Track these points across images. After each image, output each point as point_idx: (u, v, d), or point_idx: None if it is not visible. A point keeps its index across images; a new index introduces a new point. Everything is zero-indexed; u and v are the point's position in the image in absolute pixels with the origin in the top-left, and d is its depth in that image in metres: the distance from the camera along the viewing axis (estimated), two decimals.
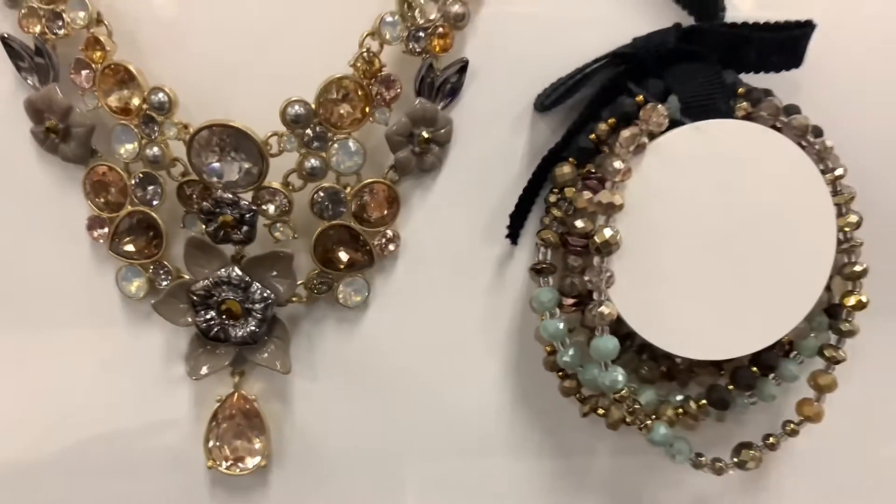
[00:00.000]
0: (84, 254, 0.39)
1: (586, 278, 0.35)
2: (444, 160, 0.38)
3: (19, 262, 0.39)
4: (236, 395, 0.39)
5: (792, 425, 0.38)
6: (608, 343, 0.34)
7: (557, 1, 0.38)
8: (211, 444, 0.39)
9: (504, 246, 0.39)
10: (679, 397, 0.38)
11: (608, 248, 0.33)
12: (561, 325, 0.35)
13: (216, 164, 0.34)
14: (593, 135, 0.36)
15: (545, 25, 0.38)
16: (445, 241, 0.39)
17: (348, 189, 0.37)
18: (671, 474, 0.42)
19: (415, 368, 0.40)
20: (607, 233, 0.33)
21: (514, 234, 0.38)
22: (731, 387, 0.38)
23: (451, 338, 0.40)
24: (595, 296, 0.34)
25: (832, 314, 0.37)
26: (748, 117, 0.35)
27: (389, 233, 0.38)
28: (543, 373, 0.39)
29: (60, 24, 0.35)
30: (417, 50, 0.36)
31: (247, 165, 0.35)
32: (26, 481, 0.40)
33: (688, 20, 0.37)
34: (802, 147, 0.35)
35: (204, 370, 0.38)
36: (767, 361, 0.37)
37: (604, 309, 0.33)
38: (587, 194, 0.35)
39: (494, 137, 0.39)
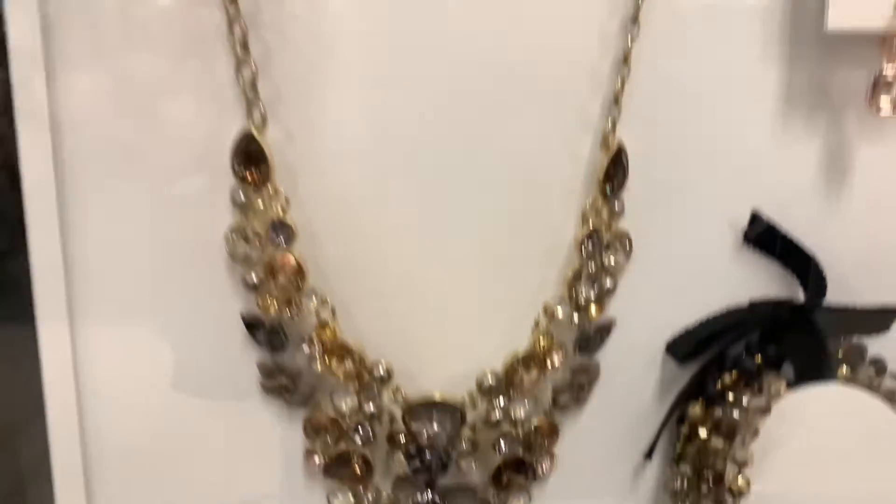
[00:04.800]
0: (298, 475, 0.47)
1: None
2: (591, 394, 0.47)
3: (244, 478, 0.47)
4: None
5: None
6: None
7: (685, 266, 0.46)
8: None
9: (637, 461, 0.48)
10: None
11: (740, 492, 0.42)
12: None
13: (425, 424, 0.43)
14: (718, 384, 0.45)
15: (675, 285, 0.46)
16: (589, 458, 0.48)
17: (519, 430, 0.45)
18: None
19: None
20: (740, 482, 0.42)
21: (650, 454, 0.47)
22: None
23: None
24: None
25: None
26: (849, 381, 0.43)
27: (549, 454, 0.47)
28: None
29: (293, 309, 0.43)
30: (578, 322, 0.44)
31: (448, 425, 0.43)
32: None
33: (792, 282, 0.46)
34: (892, 402, 0.44)
35: None
36: None
37: None
38: (721, 443, 0.43)
39: (631, 375, 0.47)
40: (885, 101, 0.41)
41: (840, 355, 0.44)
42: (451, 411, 0.43)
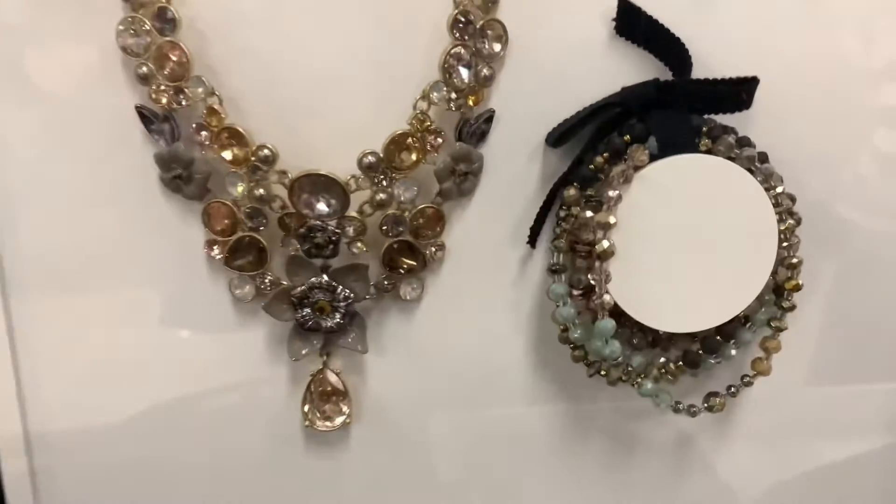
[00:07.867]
0: (202, 268, 0.50)
1: (590, 276, 0.46)
2: (477, 186, 0.50)
3: (149, 276, 0.50)
4: (325, 370, 0.51)
5: (748, 378, 0.50)
6: (608, 324, 0.45)
7: (561, 58, 0.48)
8: (306, 408, 0.51)
9: (525, 249, 0.51)
10: (661, 360, 0.51)
11: (606, 255, 0.45)
12: (572, 311, 0.47)
13: (311, 201, 0.46)
14: (592, 165, 0.48)
15: (552, 78, 0.49)
16: (479, 248, 0.51)
17: (406, 213, 0.48)
18: (657, 417, 0.55)
19: (458, 345, 0.52)
20: (605, 244, 0.45)
21: (532, 241, 0.50)
22: (700, 351, 0.50)
23: (485, 320, 0.52)
24: (597, 289, 0.46)
25: (777, 294, 0.49)
26: (710, 152, 0.46)
27: (438, 243, 0.50)
28: (557, 344, 0.51)
29: (182, 97, 0.46)
30: (456, 107, 0.47)
31: (333, 201, 0.46)
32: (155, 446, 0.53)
33: (664, 72, 0.48)
34: (751, 172, 0.46)
35: (301, 353, 0.49)
36: (729, 331, 0.50)
37: (605, 299, 0.45)
38: (589, 213, 0.46)
39: (515, 167, 0.50)
40: None
41: (704, 131, 0.47)
42: (336, 188, 0.46)
